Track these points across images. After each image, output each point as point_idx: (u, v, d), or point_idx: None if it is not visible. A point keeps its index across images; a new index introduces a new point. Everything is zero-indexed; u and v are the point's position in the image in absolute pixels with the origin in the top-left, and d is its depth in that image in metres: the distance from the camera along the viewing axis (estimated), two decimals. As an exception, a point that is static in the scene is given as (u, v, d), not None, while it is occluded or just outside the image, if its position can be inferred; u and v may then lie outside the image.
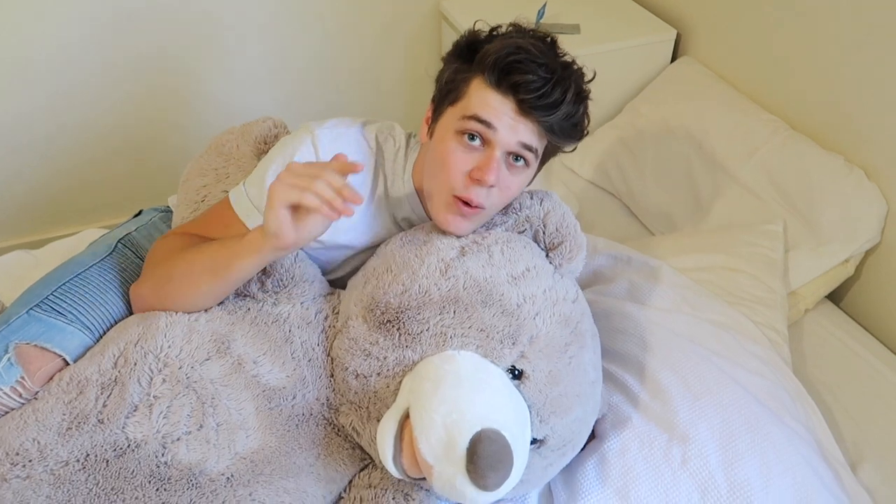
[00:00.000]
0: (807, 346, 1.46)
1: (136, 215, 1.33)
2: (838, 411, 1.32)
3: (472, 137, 0.95)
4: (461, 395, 0.84)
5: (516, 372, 0.92)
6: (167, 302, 1.00)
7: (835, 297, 1.58)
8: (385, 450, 0.85)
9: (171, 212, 1.32)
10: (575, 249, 1.02)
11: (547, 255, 1.03)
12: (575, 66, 0.99)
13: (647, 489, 1.03)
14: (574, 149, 1.05)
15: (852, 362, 1.42)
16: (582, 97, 0.98)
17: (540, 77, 0.92)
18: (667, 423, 1.07)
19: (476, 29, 1.02)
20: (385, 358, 0.92)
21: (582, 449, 1.10)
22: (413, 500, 0.96)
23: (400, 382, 0.91)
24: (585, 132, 1.02)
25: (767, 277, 1.40)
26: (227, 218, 1.05)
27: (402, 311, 0.93)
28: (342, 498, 1.00)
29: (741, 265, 1.42)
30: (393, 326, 0.93)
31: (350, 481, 1.02)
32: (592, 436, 1.11)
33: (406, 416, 0.86)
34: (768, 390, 1.14)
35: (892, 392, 1.36)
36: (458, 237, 1.01)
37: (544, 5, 1.95)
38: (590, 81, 1.01)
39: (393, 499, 0.94)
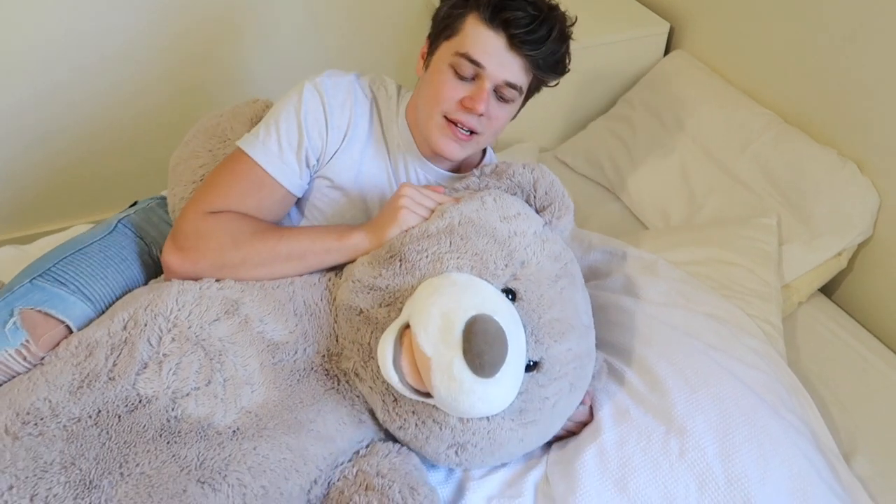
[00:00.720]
0: (800, 338, 1.47)
1: (132, 206, 1.32)
2: (832, 403, 1.33)
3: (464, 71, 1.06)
4: (457, 290, 0.91)
5: (510, 296, 0.97)
6: (231, 277, 1.05)
7: (827, 289, 1.59)
8: (385, 355, 0.88)
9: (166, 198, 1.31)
10: (563, 209, 1.09)
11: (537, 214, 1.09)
12: (559, 9, 1.10)
13: (645, 480, 1.03)
14: (556, 83, 1.15)
15: (845, 354, 1.43)
16: (565, 36, 1.09)
17: (528, 14, 1.03)
18: (665, 415, 1.08)
19: None
20: (387, 286, 0.98)
21: (576, 434, 1.11)
22: (419, 493, 0.96)
23: (400, 310, 0.95)
24: (567, 69, 1.13)
25: (762, 270, 1.41)
26: (254, 175, 1.09)
27: (403, 246, 1.00)
28: (344, 477, 1.00)
29: (736, 258, 1.43)
30: (395, 259, 1.00)
31: (351, 459, 1.02)
32: (590, 416, 1.12)
33: (406, 327, 0.90)
34: (764, 383, 1.15)
35: (884, 383, 1.37)
36: (453, 189, 1.10)
37: (538, -2, 1.95)
38: (571, 25, 1.11)
39: (399, 492, 0.95)
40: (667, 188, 1.70)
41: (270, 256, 1.05)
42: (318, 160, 1.14)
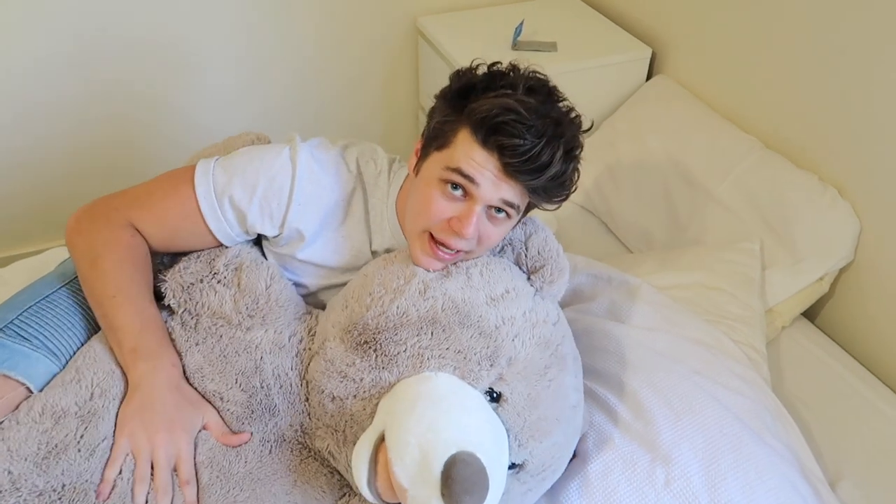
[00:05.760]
0: (784, 362, 1.46)
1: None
2: (816, 428, 1.33)
3: (454, 187, 0.94)
4: (437, 415, 0.83)
5: (494, 395, 0.90)
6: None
7: (809, 314, 1.60)
8: (360, 474, 0.83)
9: None
10: (556, 273, 1.01)
11: (528, 278, 1.02)
12: (572, 115, 0.96)
13: (630, 511, 1.01)
14: (557, 207, 1.02)
15: (828, 379, 1.43)
16: (571, 156, 0.94)
17: (528, 140, 0.88)
18: (650, 444, 1.06)
19: (472, 67, 0.98)
20: (361, 380, 0.91)
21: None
22: None
23: (377, 405, 0.89)
24: (573, 189, 0.99)
25: (745, 295, 1.41)
26: (188, 202, 1.03)
27: (379, 332, 0.91)
28: None
29: (720, 283, 1.43)
30: (370, 347, 0.91)
31: None
32: (574, 455, 1.10)
33: (381, 439, 0.84)
34: (750, 409, 1.14)
35: (867, 409, 1.37)
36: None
37: (521, 23, 1.96)
38: (586, 131, 0.98)
39: None
40: (651, 212, 1.70)
41: (104, 294, 0.99)
42: (269, 237, 1.08)
